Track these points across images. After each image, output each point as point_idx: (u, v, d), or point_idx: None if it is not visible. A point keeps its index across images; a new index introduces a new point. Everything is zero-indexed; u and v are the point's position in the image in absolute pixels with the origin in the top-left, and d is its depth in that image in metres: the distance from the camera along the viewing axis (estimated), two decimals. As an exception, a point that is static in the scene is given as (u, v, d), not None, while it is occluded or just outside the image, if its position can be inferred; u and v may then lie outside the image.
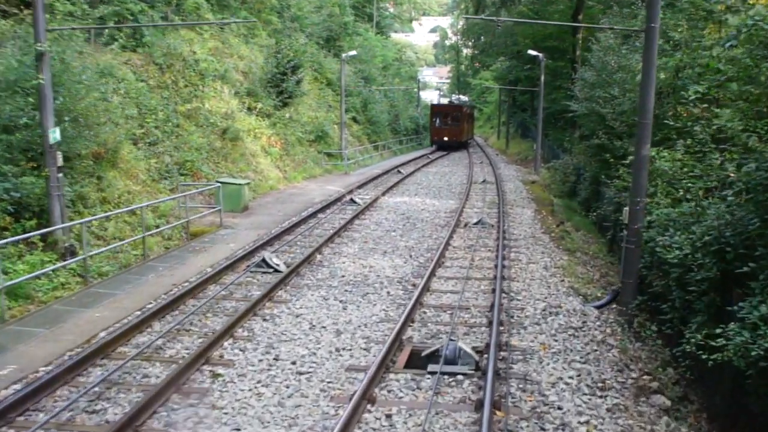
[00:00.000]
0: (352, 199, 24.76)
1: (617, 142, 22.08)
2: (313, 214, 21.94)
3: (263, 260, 14.81)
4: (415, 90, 78.89)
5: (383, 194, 27.12)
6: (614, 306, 13.30)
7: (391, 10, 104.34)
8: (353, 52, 40.80)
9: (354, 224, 20.58)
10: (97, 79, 20.25)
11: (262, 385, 8.72)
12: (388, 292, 13.10)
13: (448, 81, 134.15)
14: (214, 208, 20.45)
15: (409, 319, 11.23)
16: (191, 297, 12.53)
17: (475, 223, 20.64)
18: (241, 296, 12.81)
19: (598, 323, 12.20)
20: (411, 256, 16.32)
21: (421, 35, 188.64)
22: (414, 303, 11.88)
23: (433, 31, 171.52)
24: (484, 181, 32.48)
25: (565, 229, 21.47)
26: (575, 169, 31.78)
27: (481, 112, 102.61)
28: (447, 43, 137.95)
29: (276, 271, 14.52)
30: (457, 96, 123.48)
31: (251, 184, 25.97)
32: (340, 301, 12.45)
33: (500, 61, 72.56)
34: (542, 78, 38.81)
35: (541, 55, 38.55)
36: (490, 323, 11.14)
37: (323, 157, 36.56)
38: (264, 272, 14.45)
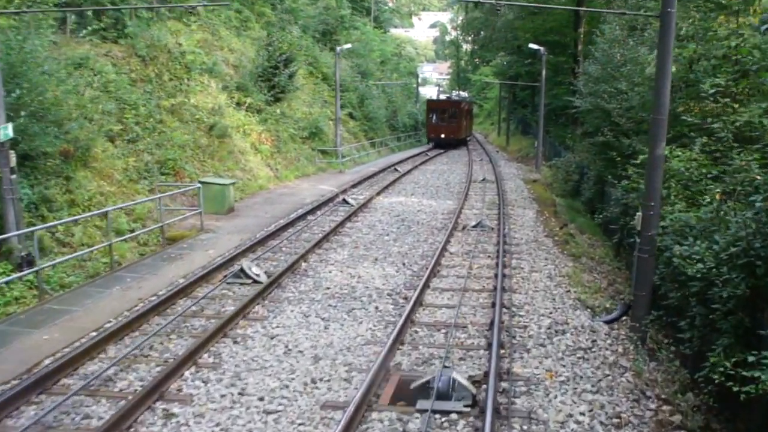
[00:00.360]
0: (344, 200, 23.43)
1: (624, 139, 20.80)
2: (303, 216, 20.63)
3: (241, 270, 13.50)
4: (414, 85, 77.40)
5: (378, 194, 25.80)
6: (625, 319, 12.04)
7: (390, 4, 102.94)
8: (348, 45, 39.45)
9: (345, 227, 19.27)
10: (66, 70, 18.99)
11: (221, 430, 7.41)
12: (377, 308, 11.78)
13: (449, 77, 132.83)
14: (196, 210, 19.13)
15: (397, 341, 9.93)
16: (157, 314, 11.22)
17: (474, 226, 19.32)
18: (212, 313, 11.51)
19: (608, 341, 10.92)
20: (404, 264, 15.01)
21: (421, 31, 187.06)
22: (404, 321, 10.58)
23: (433, 26, 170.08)
24: (483, 179, 31.18)
25: (569, 231, 20.17)
26: (578, 167, 30.48)
27: (482, 109, 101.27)
28: (447, 38, 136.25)
29: (255, 282, 13.22)
30: (457, 92, 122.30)
31: (238, 183, 24.69)
32: (323, 319, 11.13)
33: (500, 56, 71.22)
34: (543, 73, 37.51)
35: (542, 49, 37.22)
36: (489, 345, 9.84)
37: (317, 155, 35.24)
38: (242, 284, 13.14)
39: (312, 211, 21.63)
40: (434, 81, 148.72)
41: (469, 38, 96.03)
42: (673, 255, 11.14)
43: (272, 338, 10.16)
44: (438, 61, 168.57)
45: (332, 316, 11.28)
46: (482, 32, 73.88)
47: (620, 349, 10.79)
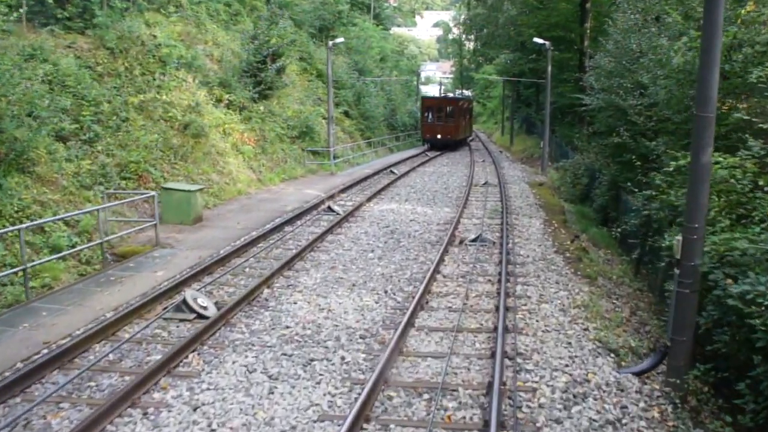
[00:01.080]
0: (330, 207, 20.75)
1: (644, 141, 18.12)
2: (279, 227, 17.99)
3: (184, 301, 10.84)
4: (415, 83, 74.62)
5: (369, 200, 23.14)
6: (661, 370, 9.41)
7: (392, 2, 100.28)
8: (341, 40, 36.71)
9: (325, 241, 16.62)
10: (12, 61, 16.46)
11: None
12: (343, 358, 9.08)
13: (452, 76, 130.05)
14: (152, 221, 16.48)
15: (362, 417, 7.27)
16: (57, 367, 8.58)
17: (473, 240, 16.63)
18: (131, 365, 8.85)
19: (642, 405, 8.29)
20: (386, 291, 12.33)
21: (424, 30, 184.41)
22: (376, 381, 7.93)
23: (436, 25, 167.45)
24: (485, 183, 28.47)
25: (581, 245, 17.50)
26: (588, 170, 27.79)
27: (485, 108, 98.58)
28: (450, 36, 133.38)
29: (200, 317, 10.59)
30: (460, 91, 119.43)
31: (213, 188, 22.09)
32: (270, 377, 8.43)
33: (504, 53, 68.54)
34: (549, 69, 34.80)
35: (547, 43, 34.46)
36: (486, 425, 7.17)
37: (307, 156, 32.59)
38: (182, 319, 10.50)
39: (291, 221, 18.99)
40: (438, 80, 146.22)
41: (472, 36, 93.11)
42: (727, 294, 8.53)
43: (195, 410, 7.48)
44: (441, 60, 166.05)
45: (283, 371, 8.59)
46: (485, 29, 71.00)
47: (656, 414, 8.16)
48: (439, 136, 49.02)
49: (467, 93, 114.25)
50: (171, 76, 24.95)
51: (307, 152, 32.67)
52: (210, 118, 25.44)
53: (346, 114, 42.81)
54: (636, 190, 16.54)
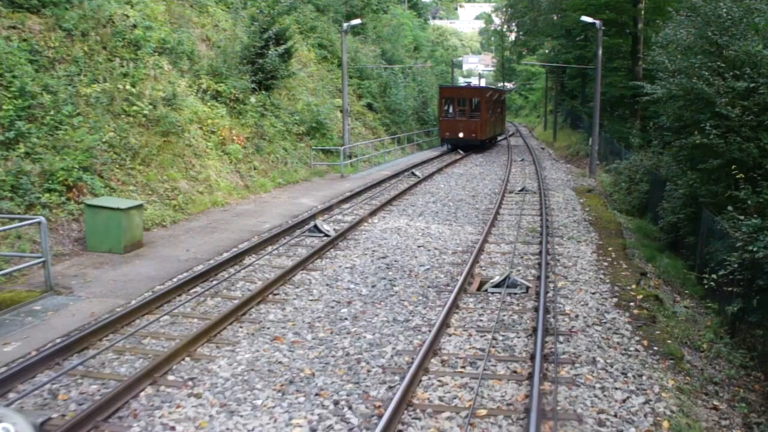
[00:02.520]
0: (316, 226, 15.73)
1: (741, 141, 12.78)
2: (239, 257, 13.10)
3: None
4: (450, 73, 69.01)
5: (374, 213, 18.12)
6: None
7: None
8: (357, 21, 31.59)
9: (288, 284, 11.64)
10: None
11: None
12: None
13: (494, 68, 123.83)
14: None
15: None
16: None
17: (499, 284, 11.47)
18: None
19: None
20: (338, 403, 7.22)
21: (467, 22, 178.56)
22: None
23: (479, 17, 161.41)
24: (523, 189, 23.11)
25: (650, 290, 12.21)
26: (648, 174, 22.29)
27: (527, 101, 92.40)
28: (492, 28, 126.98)
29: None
30: (501, 84, 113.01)
31: (181, 199, 17.35)
32: None
33: (547, 41, 62.60)
34: (599, 52, 29.07)
35: (598, 22, 28.77)
36: None
37: (317, 155, 27.68)
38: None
39: (260, 247, 14.09)
40: (480, 72, 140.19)
41: (514, 25, 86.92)
42: None
43: None
44: (484, 52, 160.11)
45: None
46: (527, 16, 65.00)
47: None
48: (461, 135, 39.22)
49: (509, 85, 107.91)
50: (145, 63, 20.27)
51: (316, 151, 27.78)
52: (190, 113, 20.73)
53: (370, 107, 37.75)
54: (730, 210, 11.24)
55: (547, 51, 64.60)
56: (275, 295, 10.97)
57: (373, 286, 11.47)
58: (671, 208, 16.52)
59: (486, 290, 11.30)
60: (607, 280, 12.18)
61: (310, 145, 27.59)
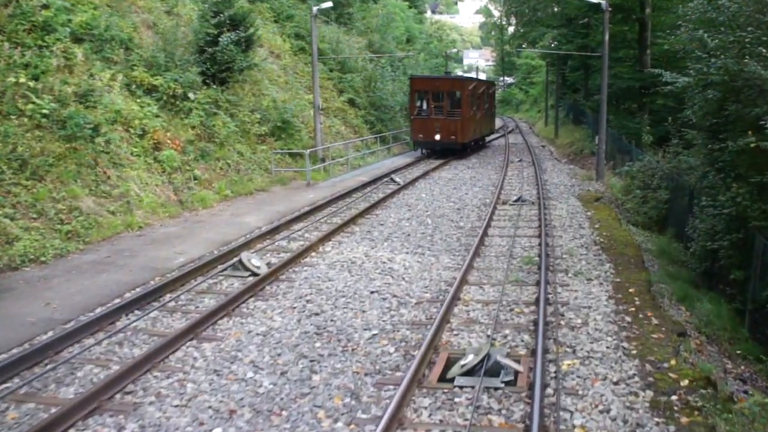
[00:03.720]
0: (241, 262, 11.66)
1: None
2: (110, 316, 9.11)
3: None
4: (455, 66, 64.78)
5: (328, 237, 14.09)
6: None
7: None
8: (328, 4, 27.45)
9: (156, 371, 7.62)
10: None
11: None
12: None
13: (494, 63, 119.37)
14: None
15: None
16: None
17: (468, 372, 7.39)
18: None
19: None
20: None
21: (467, 17, 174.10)
22: None
23: (479, 12, 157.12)
24: (519, 199, 19.02)
25: (693, 359, 8.21)
26: (666, 178, 18.27)
27: (527, 95, 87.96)
28: (491, 21, 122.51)
29: None
30: (502, 78, 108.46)
31: (68, 225, 13.33)
32: None
33: (547, 32, 58.28)
34: (606, 37, 24.88)
35: (603, 2, 24.58)
36: None
37: (281, 160, 23.66)
38: None
39: (153, 296, 10.09)
40: (481, 67, 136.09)
41: (512, 17, 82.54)
42: None
43: None
44: (484, 47, 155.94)
45: None
46: (526, 8, 60.66)
47: None
48: (437, 137, 30.59)
49: (509, 79, 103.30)
50: (52, 52, 16.30)
51: (281, 155, 23.76)
52: (112, 112, 16.75)
53: (352, 103, 33.64)
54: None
55: (547, 42, 60.34)
56: (125, 394, 6.97)
57: (282, 374, 7.45)
58: (708, 230, 12.45)
59: (452, 379, 7.27)
60: (634, 351, 8.14)
61: (274, 147, 23.56)
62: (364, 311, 9.54)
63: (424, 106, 31.12)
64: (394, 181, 22.71)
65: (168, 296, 10.23)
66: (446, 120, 30.52)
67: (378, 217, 16.73)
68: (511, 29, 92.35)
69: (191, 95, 19.10)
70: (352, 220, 15.88)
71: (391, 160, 30.01)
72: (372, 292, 10.39)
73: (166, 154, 17.37)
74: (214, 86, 21.22)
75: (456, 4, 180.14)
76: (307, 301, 9.98)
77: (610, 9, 24.92)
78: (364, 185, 21.86)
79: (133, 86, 18.40)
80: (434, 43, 69.06)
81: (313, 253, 12.91)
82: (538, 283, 10.58)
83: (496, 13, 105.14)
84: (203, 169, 18.83)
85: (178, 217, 16.08)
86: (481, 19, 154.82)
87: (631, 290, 10.62)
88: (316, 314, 9.40)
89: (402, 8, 54.71)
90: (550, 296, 10.08)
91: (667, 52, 33.86)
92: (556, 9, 50.51)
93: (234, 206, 17.73)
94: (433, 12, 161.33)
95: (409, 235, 14.56)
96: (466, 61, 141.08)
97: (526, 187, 21.99)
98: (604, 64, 24.55)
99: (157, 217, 15.57)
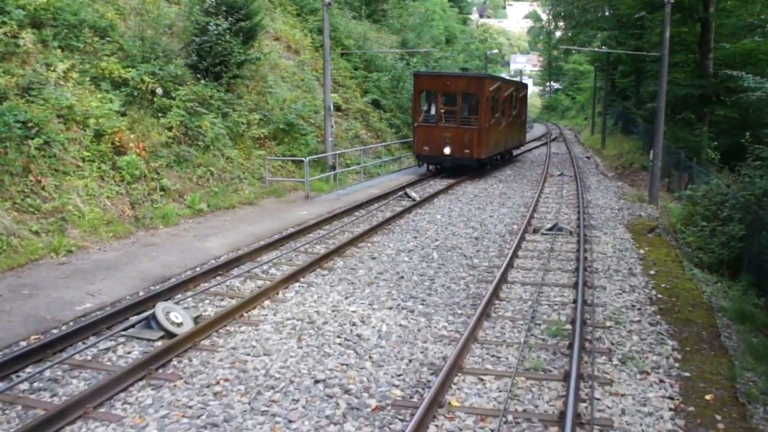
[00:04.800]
0: (155, 319, 8.34)
1: None
2: None
3: None
4: (499, 70, 60.74)
5: (296, 276, 10.67)
6: None
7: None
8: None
9: None
10: None
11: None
12: None
13: (541, 68, 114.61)
14: None
15: None
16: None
17: None
18: None
19: None
20: None
21: (515, 21, 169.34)
22: None
23: (527, 17, 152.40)
24: (554, 227, 15.22)
25: None
26: (741, 208, 14.39)
27: (574, 101, 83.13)
28: (539, 26, 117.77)
29: None
30: (548, 84, 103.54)
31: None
32: None
33: (597, 35, 53.87)
34: (667, 33, 20.80)
35: (667, -6, 20.53)
36: None
37: (281, 167, 20.35)
38: None
39: None
40: (528, 72, 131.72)
41: (560, 21, 77.99)
42: None
43: None
44: (532, 52, 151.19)
45: None
46: (574, 8, 56.24)
47: None
48: (447, 151, 23.77)
49: (555, 85, 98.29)
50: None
51: (284, 162, 20.46)
52: (66, 108, 13.67)
53: (377, 104, 30.17)
54: None
55: (596, 47, 55.89)
56: None
57: None
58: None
59: None
60: None
61: (274, 152, 20.28)
62: (289, 423, 6.07)
63: (432, 111, 24.50)
64: (409, 196, 19.18)
65: (26, 371, 6.96)
66: (459, 129, 23.66)
67: (374, 246, 13.23)
68: (558, 34, 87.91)
69: (159, 91, 15.79)
70: (339, 250, 12.43)
71: (415, 168, 26.42)
72: (317, 382, 6.91)
73: (126, 160, 14.17)
74: (204, 82, 18.02)
75: (504, 8, 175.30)
76: (214, 396, 6.57)
77: (671, 0, 20.84)
78: (374, 200, 18.39)
79: (99, 79, 15.28)
80: (475, 44, 64.96)
81: (267, 302, 9.50)
82: (566, 378, 6.98)
83: (545, 17, 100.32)
84: (176, 177, 15.59)
85: (127, 237, 12.84)
86: (529, 23, 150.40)
87: (708, 397, 6.92)
88: (213, 428, 5.97)
89: (443, 6, 51.01)
90: (582, 406, 6.46)
91: (734, 56, 29.66)
92: (607, 11, 46.52)
93: (204, 224, 14.44)
94: (481, 16, 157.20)
95: (402, 277, 11.01)
96: (513, 66, 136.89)
97: (565, 209, 18.23)
98: (663, 65, 20.54)
99: (98, 238, 12.36)
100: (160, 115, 16.15)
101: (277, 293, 9.87)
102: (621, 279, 11.34)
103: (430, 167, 25.45)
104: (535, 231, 15.25)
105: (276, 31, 27.12)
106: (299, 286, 10.33)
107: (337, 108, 26.86)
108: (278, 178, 19.40)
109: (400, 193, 19.66)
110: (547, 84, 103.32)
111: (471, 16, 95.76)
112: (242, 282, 10.50)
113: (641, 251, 13.64)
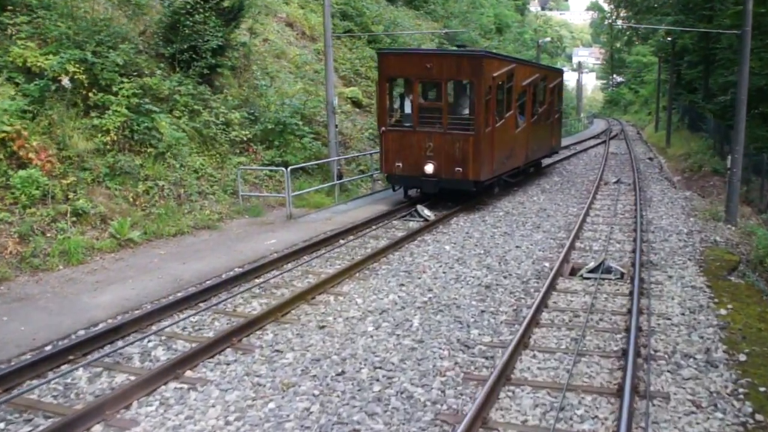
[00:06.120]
0: None
1: None
2: None
3: None
4: (558, 62, 55.26)
5: (169, 375, 6.72)
6: None
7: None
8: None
9: None
10: None
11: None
12: None
13: (604, 61, 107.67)
14: None
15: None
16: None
17: None
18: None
19: None
20: None
21: (577, 14, 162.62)
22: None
23: (590, 9, 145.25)
24: (600, 266, 10.74)
25: None
26: None
27: (637, 95, 76.48)
28: (601, 17, 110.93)
29: None
30: (611, 76, 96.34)
31: None
32: None
33: (664, 24, 48.10)
34: (750, 5, 15.85)
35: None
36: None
37: (268, 178, 16.45)
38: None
39: None
40: (591, 66, 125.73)
41: (623, 10, 71.56)
42: None
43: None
44: (595, 45, 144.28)
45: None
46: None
47: None
48: (429, 169, 15.33)
49: (618, 78, 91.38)
50: None
51: (271, 172, 16.54)
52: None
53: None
54: None
55: (660, 36, 49.98)
56: None
57: None
58: None
59: None
60: None
61: (261, 158, 16.40)
62: None
63: (406, 109, 16.31)
64: (420, 216, 14.93)
65: None
66: (447, 136, 15.21)
67: (337, 301, 9.14)
68: (620, 23, 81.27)
69: (66, 82, 11.98)
70: (280, 309, 8.41)
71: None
72: None
73: (21, 176, 10.48)
74: (165, 73, 14.27)
75: (566, 0, 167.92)
76: None
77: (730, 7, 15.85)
78: (375, 219, 14.32)
79: (5, 70, 11.68)
80: (529, 33, 59.61)
81: (97, 426, 5.56)
82: None
83: (607, 7, 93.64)
84: (104, 196, 11.83)
85: (-8, 286, 9.15)
86: (592, 15, 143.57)
87: None
88: None
89: (493, -6, 46.32)
90: None
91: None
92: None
93: (123, 263, 10.61)
94: (543, 8, 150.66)
95: (343, 372, 6.86)
96: (575, 59, 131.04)
97: (617, 235, 13.69)
98: (745, 44, 15.68)
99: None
100: (94, 114, 12.44)
101: (120, 410, 5.90)
102: (693, 375, 6.90)
103: (410, 192, 16.82)
104: (573, 272, 10.87)
105: (288, 15, 23.27)
106: (159, 396, 6.31)
107: (357, 104, 22.84)
108: (256, 193, 15.46)
109: (413, 209, 15.39)
110: (611, 77, 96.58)
111: (530, 8, 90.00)
112: (87, 383, 6.57)
113: (722, 310, 9.10)
